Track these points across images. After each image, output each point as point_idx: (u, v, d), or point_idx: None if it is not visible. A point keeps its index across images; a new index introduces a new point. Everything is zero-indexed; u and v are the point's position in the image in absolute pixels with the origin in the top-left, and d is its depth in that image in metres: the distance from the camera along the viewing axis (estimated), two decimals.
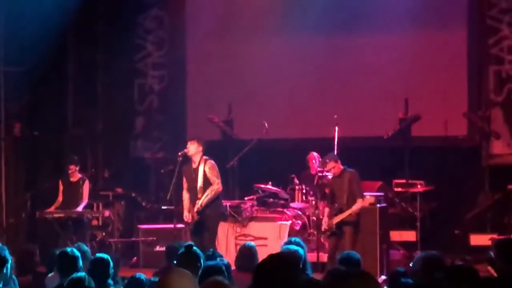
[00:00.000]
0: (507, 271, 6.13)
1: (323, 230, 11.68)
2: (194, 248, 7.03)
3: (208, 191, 11.48)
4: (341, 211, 11.42)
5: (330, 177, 12.05)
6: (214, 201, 11.58)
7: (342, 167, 11.55)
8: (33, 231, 14.72)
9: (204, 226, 11.51)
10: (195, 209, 11.48)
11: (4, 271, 6.60)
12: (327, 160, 11.67)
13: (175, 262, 7.19)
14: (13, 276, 7.63)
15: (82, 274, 6.53)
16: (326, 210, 11.75)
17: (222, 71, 15.70)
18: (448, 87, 14.77)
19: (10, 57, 15.04)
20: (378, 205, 12.37)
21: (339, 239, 11.42)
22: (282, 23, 15.31)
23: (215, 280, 5.08)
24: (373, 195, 12.60)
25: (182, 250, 7.07)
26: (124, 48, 16.26)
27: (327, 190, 12.00)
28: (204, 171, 11.54)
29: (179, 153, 11.75)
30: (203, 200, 11.46)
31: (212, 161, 11.67)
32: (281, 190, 13.51)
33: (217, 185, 11.55)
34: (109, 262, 7.15)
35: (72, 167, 12.99)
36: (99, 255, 7.45)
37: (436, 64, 14.81)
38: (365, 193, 12.11)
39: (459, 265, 5.97)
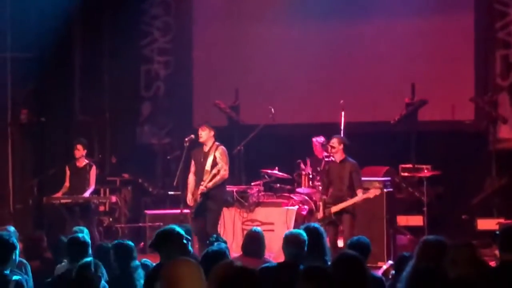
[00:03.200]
0: (508, 259, 6.11)
1: (319, 218, 11.60)
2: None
3: (215, 178, 11.48)
4: (340, 200, 11.37)
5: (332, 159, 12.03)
6: (219, 186, 11.59)
7: (344, 154, 11.48)
8: (40, 217, 14.77)
9: (206, 211, 11.51)
10: (199, 191, 11.49)
11: (13, 257, 6.63)
12: (334, 136, 11.62)
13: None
14: (24, 260, 7.67)
15: (89, 259, 6.57)
16: (323, 197, 11.70)
17: (228, 56, 15.69)
18: (454, 71, 14.73)
19: (17, 44, 15.06)
20: (385, 190, 12.37)
21: (337, 226, 11.42)
22: (288, 9, 15.28)
23: (226, 262, 5.08)
24: (380, 180, 12.60)
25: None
26: (130, 34, 16.25)
27: (324, 176, 11.96)
28: (215, 156, 11.55)
29: (186, 139, 11.77)
30: (207, 182, 11.46)
31: (224, 147, 11.70)
32: (288, 175, 13.53)
33: (224, 171, 11.56)
34: (131, 247, 7.22)
35: (79, 147, 12.95)
36: (121, 241, 7.50)
37: (443, 48, 14.76)
38: (372, 179, 12.14)
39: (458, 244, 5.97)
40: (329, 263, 6.99)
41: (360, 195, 11.25)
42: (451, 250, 5.79)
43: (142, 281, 7.00)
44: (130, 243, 7.44)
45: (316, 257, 7.00)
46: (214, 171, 11.51)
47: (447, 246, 5.92)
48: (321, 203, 11.60)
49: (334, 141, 11.49)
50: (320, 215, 11.55)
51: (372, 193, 11.32)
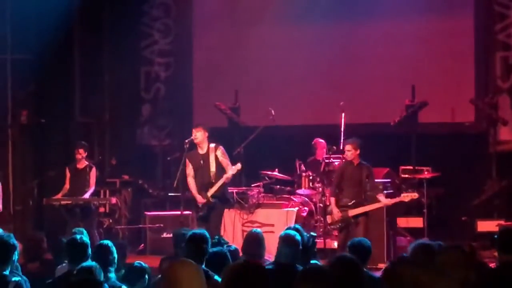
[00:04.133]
0: (506, 260, 6.13)
1: (333, 220, 11.58)
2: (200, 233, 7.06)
3: (230, 171, 11.51)
4: (359, 203, 11.36)
5: (337, 163, 12.04)
6: (225, 186, 11.63)
7: (359, 158, 11.51)
8: (40, 218, 14.77)
9: (211, 213, 11.54)
10: (222, 182, 11.50)
11: (13, 257, 6.64)
12: (349, 142, 11.64)
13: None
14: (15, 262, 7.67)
15: (92, 263, 6.58)
16: (332, 199, 11.68)
17: (228, 58, 15.70)
18: (455, 73, 14.74)
19: (17, 46, 15.06)
20: (385, 192, 12.37)
21: (349, 231, 11.39)
22: (288, 10, 15.29)
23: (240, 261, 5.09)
24: (380, 182, 12.60)
25: (188, 236, 7.10)
26: (130, 35, 16.26)
27: (334, 177, 11.96)
28: (216, 156, 11.57)
29: (186, 140, 11.77)
30: (228, 174, 11.49)
31: (222, 146, 11.72)
32: (287, 176, 13.53)
33: (233, 169, 11.58)
34: (110, 248, 7.16)
35: (81, 151, 12.97)
36: (101, 241, 7.48)
37: (443, 50, 14.77)
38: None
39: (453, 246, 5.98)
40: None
41: (383, 199, 11.29)
42: (440, 253, 5.80)
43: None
44: (86, 240, 7.43)
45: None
46: (230, 171, 11.52)
47: (435, 250, 5.95)
48: (333, 206, 11.56)
49: (349, 147, 11.47)
50: (335, 217, 11.50)
51: (408, 197, 11.34)
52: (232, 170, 11.58)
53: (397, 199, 11.45)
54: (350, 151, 11.44)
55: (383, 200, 11.35)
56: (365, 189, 11.40)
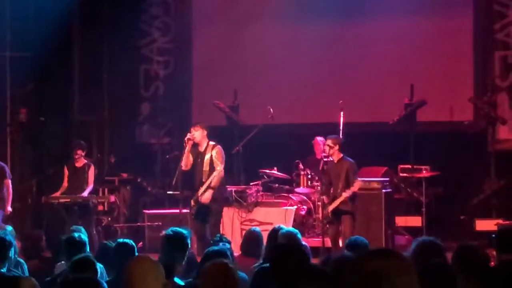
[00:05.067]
0: (505, 259, 6.15)
1: (320, 218, 11.67)
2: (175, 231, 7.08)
3: (213, 178, 11.40)
4: (335, 198, 11.37)
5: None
6: (218, 187, 11.57)
7: (341, 154, 11.48)
8: (39, 216, 14.76)
9: (207, 211, 11.50)
10: (200, 194, 11.43)
11: (10, 255, 6.62)
12: (328, 137, 11.64)
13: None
14: (21, 260, 7.67)
15: (87, 254, 6.59)
16: (324, 198, 11.70)
17: (227, 56, 15.70)
18: (454, 72, 14.74)
19: (16, 43, 15.05)
20: (384, 191, 12.37)
21: (338, 226, 11.40)
22: (288, 9, 15.30)
23: (220, 262, 5.12)
24: (378, 181, 12.61)
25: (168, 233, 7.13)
26: (129, 33, 16.25)
27: (324, 177, 11.96)
28: (211, 155, 11.52)
29: (186, 139, 11.73)
30: (212, 186, 11.40)
31: (220, 147, 11.64)
32: (286, 175, 13.54)
33: (218, 171, 11.45)
34: (134, 248, 7.20)
35: (79, 151, 12.99)
36: (124, 240, 7.48)
37: (442, 49, 14.77)
38: (371, 179, 12.14)
39: (467, 245, 5.99)
40: None
41: (344, 193, 11.20)
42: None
43: None
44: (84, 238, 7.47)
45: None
46: (213, 178, 11.43)
47: (441, 247, 5.95)
48: (320, 204, 11.64)
49: (329, 142, 11.51)
50: (320, 215, 11.60)
51: (356, 186, 11.28)
52: (216, 171, 11.46)
53: (351, 190, 11.30)
54: (329, 147, 11.44)
55: (345, 193, 11.28)
56: (345, 185, 11.34)
